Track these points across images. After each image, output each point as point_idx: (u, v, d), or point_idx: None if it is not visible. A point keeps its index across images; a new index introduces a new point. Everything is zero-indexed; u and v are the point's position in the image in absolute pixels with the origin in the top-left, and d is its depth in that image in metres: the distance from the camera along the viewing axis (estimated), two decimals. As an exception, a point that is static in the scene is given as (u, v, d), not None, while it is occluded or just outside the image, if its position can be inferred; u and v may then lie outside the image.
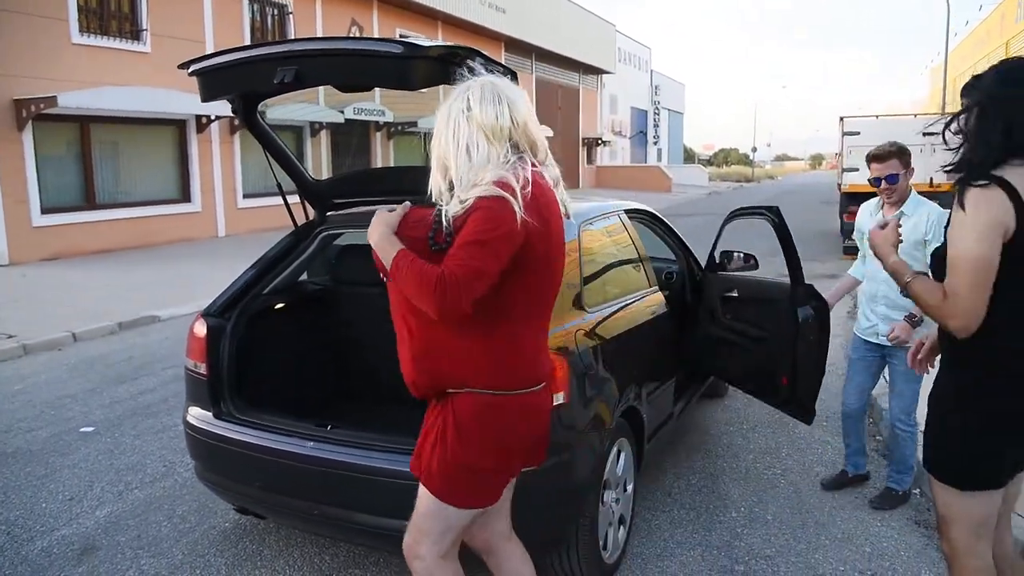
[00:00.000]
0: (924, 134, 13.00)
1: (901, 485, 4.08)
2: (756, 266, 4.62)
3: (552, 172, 2.17)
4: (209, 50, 16.19)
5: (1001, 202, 2.02)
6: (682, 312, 4.56)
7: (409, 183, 3.78)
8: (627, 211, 4.31)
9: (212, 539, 3.73)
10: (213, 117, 16.21)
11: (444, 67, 2.59)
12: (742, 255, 4.56)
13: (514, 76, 2.77)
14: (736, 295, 4.26)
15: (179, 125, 16.19)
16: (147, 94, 14.54)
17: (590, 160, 41.87)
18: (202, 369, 3.26)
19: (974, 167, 2.10)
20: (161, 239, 15.41)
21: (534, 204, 2.00)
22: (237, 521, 3.87)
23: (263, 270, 3.62)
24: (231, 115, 16.49)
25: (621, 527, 3.44)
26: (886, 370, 4.12)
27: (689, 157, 74.15)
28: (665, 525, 3.87)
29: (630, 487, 3.53)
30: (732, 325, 4.18)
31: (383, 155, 22.86)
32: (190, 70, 2.87)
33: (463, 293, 1.89)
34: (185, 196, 16.50)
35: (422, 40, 2.55)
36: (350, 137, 21.17)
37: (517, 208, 1.94)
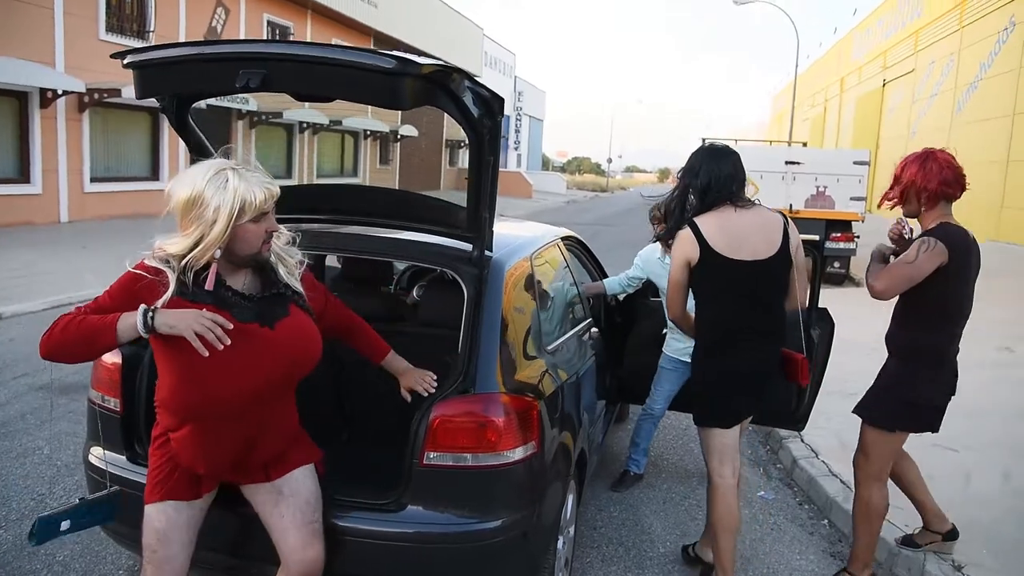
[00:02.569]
0: (786, 163, 13.78)
1: None
2: None
3: None
4: (58, 16, 14.88)
5: (689, 238, 3.07)
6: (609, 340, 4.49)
7: (365, 201, 3.45)
8: (562, 239, 4.20)
9: (105, 591, 3.27)
10: (60, 92, 14.75)
11: (433, 86, 2.36)
12: None
13: (500, 101, 2.58)
14: None
15: (19, 98, 14.60)
16: (-17, 61, 13.08)
17: (452, 162, 41.74)
18: (113, 404, 2.82)
19: (680, 222, 3.14)
20: (-7, 222, 13.90)
21: None
22: (132, 568, 3.42)
23: None
24: (79, 91, 15.18)
25: (566, 569, 3.31)
26: None
27: (544, 164, 75.60)
28: (597, 563, 3.78)
29: (572, 529, 3.41)
30: None
31: (243, 146, 21.70)
32: (126, 61, 2.45)
33: None
34: (24, 176, 14.92)
35: (412, 56, 2.28)
36: (211, 125, 19.94)
37: None
